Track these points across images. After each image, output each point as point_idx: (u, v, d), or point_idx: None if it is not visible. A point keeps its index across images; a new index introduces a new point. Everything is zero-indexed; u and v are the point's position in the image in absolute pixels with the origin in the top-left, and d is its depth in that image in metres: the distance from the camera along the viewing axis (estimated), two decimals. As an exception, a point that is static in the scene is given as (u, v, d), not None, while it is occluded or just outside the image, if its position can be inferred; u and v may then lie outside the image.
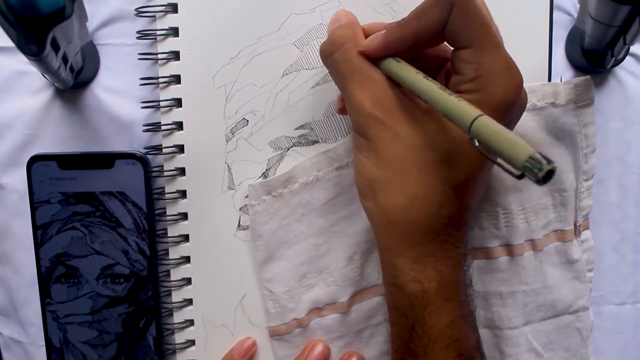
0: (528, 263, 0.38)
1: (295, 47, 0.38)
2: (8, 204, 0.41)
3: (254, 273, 0.40)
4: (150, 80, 0.39)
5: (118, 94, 0.40)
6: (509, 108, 0.30)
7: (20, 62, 0.40)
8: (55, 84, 0.39)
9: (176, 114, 0.39)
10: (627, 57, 0.40)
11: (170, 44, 0.39)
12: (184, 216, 0.40)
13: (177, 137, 0.39)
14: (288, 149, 0.39)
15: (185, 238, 0.40)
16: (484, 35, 0.29)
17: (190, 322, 0.41)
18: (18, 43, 0.29)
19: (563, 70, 0.40)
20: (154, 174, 0.39)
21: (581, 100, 0.37)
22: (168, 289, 0.40)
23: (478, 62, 0.29)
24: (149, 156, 0.40)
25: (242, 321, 0.41)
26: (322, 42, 0.33)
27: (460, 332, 0.30)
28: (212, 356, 0.41)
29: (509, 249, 0.38)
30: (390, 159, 0.30)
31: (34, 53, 0.29)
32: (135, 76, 0.39)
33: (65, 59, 0.35)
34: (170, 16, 0.38)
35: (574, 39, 0.39)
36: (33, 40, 0.29)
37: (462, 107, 0.26)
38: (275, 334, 0.40)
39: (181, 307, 0.41)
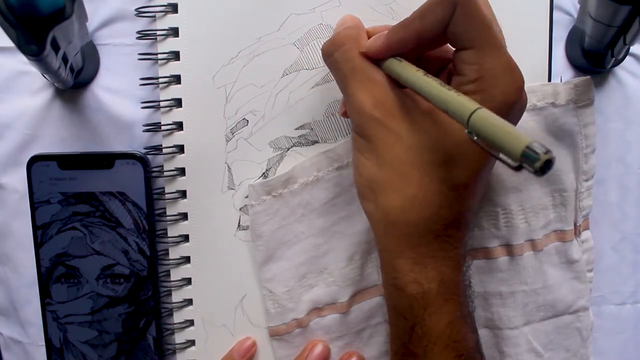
0: (528, 263, 0.38)
1: (295, 47, 0.38)
2: (8, 204, 0.41)
3: (254, 273, 0.40)
4: (150, 81, 0.39)
5: (118, 94, 0.40)
6: (510, 109, 0.30)
7: (20, 62, 0.40)
8: (55, 84, 0.39)
9: (176, 114, 0.39)
10: (627, 57, 0.40)
11: (170, 44, 0.39)
12: (184, 216, 0.40)
13: (177, 137, 0.39)
14: (288, 149, 0.39)
15: (185, 238, 0.40)
16: (486, 37, 0.29)
17: (190, 322, 0.41)
18: (18, 43, 0.29)
19: (563, 70, 0.40)
20: (154, 174, 0.39)
21: (581, 101, 0.37)
22: (168, 289, 0.40)
23: (480, 63, 0.29)
24: (149, 156, 0.40)
25: (242, 321, 0.41)
26: (322, 42, 0.34)
27: (460, 333, 0.30)
28: (212, 356, 0.41)
29: (509, 249, 0.38)
30: (391, 160, 0.30)
31: (34, 53, 0.29)
32: (135, 76, 0.39)
33: (65, 59, 0.35)
34: (170, 16, 0.38)
35: (574, 39, 0.39)
36: (33, 40, 0.29)
37: (460, 101, 0.26)
38: (275, 334, 0.40)
39: (181, 307, 0.41)
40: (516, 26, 0.37)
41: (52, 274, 0.40)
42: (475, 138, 0.25)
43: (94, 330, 0.40)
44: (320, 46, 0.38)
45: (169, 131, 0.39)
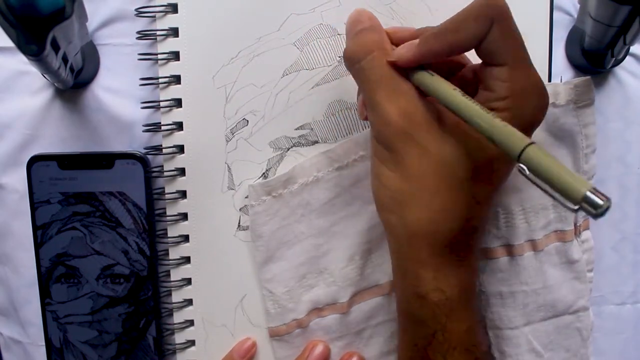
0: (528, 263, 0.38)
1: (295, 47, 0.38)
2: (8, 204, 0.41)
3: (254, 273, 0.40)
4: (150, 81, 0.39)
5: (118, 94, 0.40)
6: (534, 127, 0.30)
7: (20, 62, 0.40)
8: (55, 84, 0.39)
9: (176, 114, 0.39)
10: (627, 57, 0.40)
11: (170, 44, 0.39)
12: (184, 216, 0.40)
13: (177, 138, 0.39)
14: (288, 149, 0.39)
15: (185, 238, 0.40)
16: (519, 55, 0.29)
17: (190, 322, 0.41)
18: (18, 43, 0.29)
19: (563, 70, 0.40)
20: (154, 174, 0.39)
21: (581, 101, 0.37)
22: (168, 289, 0.40)
23: (512, 81, 0.29)
24: (149, 156, 0.40)
25: (242, 321, 0.41)
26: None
27: (477, 337, 0.31)
28: (212, 356, 0.41)
29: (509, 249, 0.38)
30: (419, 174, 0.30)
31: (34, 53, 0.29)
32: (135, 76, 0.39)
33: (65, 59, 0.35)
34: (170, 16, 0.38)
35: (574, 39, 0.39)
36: (33, 40, 0.29)
37: (511, 134, 0.26)
38: (275, 335, 0.40)
39: (181, 307, 0.41)
40: (516, 26, 0.37)
41: (52, 274, 0.40)
42: (528, 173, 0.25)
43: (94, 330, 0.40)
44: (320, 46, 0.38)
45: (169, 131, 0.39)
